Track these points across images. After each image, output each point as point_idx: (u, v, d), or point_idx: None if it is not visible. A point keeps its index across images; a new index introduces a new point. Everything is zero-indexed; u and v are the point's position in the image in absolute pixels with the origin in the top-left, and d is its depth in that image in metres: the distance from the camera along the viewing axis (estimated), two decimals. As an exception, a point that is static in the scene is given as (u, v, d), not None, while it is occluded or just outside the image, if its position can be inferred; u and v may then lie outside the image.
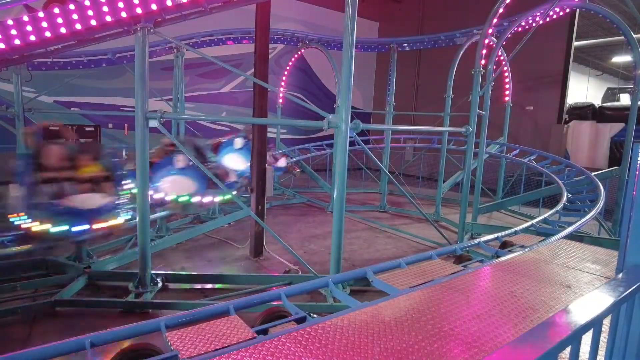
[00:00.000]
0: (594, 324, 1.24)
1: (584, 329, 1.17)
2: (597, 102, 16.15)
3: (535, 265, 3.97)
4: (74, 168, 5.24)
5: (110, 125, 14.38)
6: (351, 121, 4.82)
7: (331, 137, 5.14)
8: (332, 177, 5.28)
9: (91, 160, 5.42)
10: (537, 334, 1.06)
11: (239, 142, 7.63)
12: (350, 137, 4.87)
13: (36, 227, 4.71)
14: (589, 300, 1.31)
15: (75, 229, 4.87)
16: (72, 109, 12.97)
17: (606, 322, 1.57)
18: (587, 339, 1.42)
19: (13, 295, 5.07)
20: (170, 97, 11.54)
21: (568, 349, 1.24)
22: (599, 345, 1.41)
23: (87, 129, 13.95)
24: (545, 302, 3.10)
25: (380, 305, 2.93)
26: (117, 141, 14.18)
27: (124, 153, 8.72)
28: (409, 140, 15.50)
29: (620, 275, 1.54)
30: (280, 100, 13.16)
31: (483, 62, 7.40)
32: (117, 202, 5.40)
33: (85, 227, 4.97)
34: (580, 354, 1.32)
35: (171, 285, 5.64)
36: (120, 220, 5.35)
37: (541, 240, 5.29)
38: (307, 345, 2.34)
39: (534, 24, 8.75)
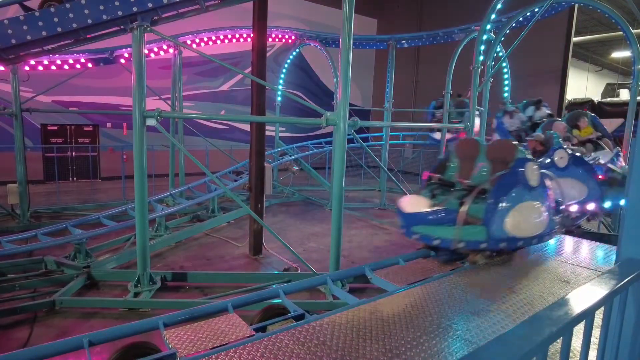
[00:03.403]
0: (586, 316, 1.24)
1: (575, 321, 1.17)
2: (597, 98, 16.13)
3: (535, 261, 3.98)
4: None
5: (108, 124, 14.36)
6: (349, 118, 4.82)
7: (330, 134, 5.14)
8: (331, 175, 5.27)
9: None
10: (527, 326, 1.06)
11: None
12: (348, 135, 4.87)
13: None
14: (581, 293, 1.31)
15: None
16: (70, 108, 12.95)
17: (600, 317, 1.57)
18: (580, 334, 1.42)
19: (12, 295, 5.08)
20: (168, 96, 11.52)
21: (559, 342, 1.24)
22: (591, 339, 1.41)
23: (85, 128, 13.99)
24: (544, 297, 3.10)
25: (378, 302, 2.94)
26: (117, 140, 14.18)
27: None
28: (408, 137, 15.50)
29: (613, 269, 1.54)
30: (279, 99, 13.15)
31: (482, 58, 7.38)
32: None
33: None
34: (573, 347, 1.32)
35: (170, 284, 5.64)
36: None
37: (540, 236, 5.27)
38: (305, 342, 2.34)
39: (532, 20, 8.73)
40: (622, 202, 5.24)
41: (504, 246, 3.74)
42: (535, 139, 5.81)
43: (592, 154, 6.64)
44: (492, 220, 3.68)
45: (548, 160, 5.20)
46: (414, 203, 4.19)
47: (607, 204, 5.44)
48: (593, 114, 7.44)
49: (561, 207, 4.41)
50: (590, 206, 5.23)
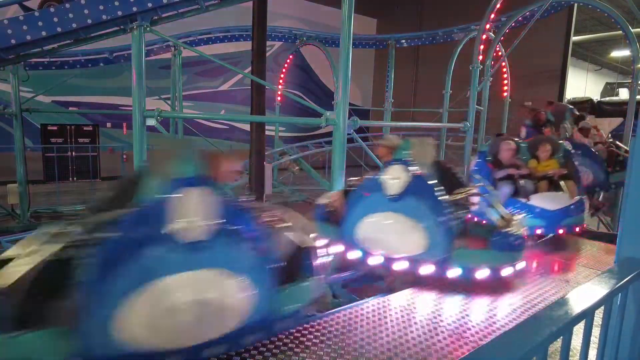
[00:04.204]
0: (586, 315, 1.25)
1: (575, 320, 1.17)
2: (596, 97, 16.15)
3: (535, 260, 3.98)
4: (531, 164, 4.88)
5: (108, 124, 14.35)
6: (349, 118, 4.82)
7: (330, 134, 5.14)
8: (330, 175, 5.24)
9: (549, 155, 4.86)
10: (527, 326, 1.07)
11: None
12: (348, 134, 4.87)
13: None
14: (581, 293, 1.32)
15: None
16: (70, 108, 12.95)
17: (600, 317, 1.58)
18: (580, 333, 1.43)
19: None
20: (168, 96, 11.52)
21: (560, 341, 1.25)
22: (591, 339, 1.41)
23: (85, 128, 13.97)
24: (544, 297, 3.11)
25: (379, 301, 2.94)
26: (117, 140, 14.18)
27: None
28: (407, 137, 15.48)
29: (613, 268, 1.54)
30: (279, 98, 13.15)
31: (481, 57, 7.39)
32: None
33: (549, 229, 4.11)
34: (573, 347, 1.33)
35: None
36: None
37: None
38: (305, 342, 2.35)
39: (531, 19, 8.75)
40: (483, 274, 3.08)
41: None
42: (384, 144, 3.76)
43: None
44: (85, 315, 1.74)
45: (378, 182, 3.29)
46: None
47: (455, 272, 3.09)
48: (569, 148, 5.22)
49: (320, 276, 2.46)
50: (425, 269, 3.07)
